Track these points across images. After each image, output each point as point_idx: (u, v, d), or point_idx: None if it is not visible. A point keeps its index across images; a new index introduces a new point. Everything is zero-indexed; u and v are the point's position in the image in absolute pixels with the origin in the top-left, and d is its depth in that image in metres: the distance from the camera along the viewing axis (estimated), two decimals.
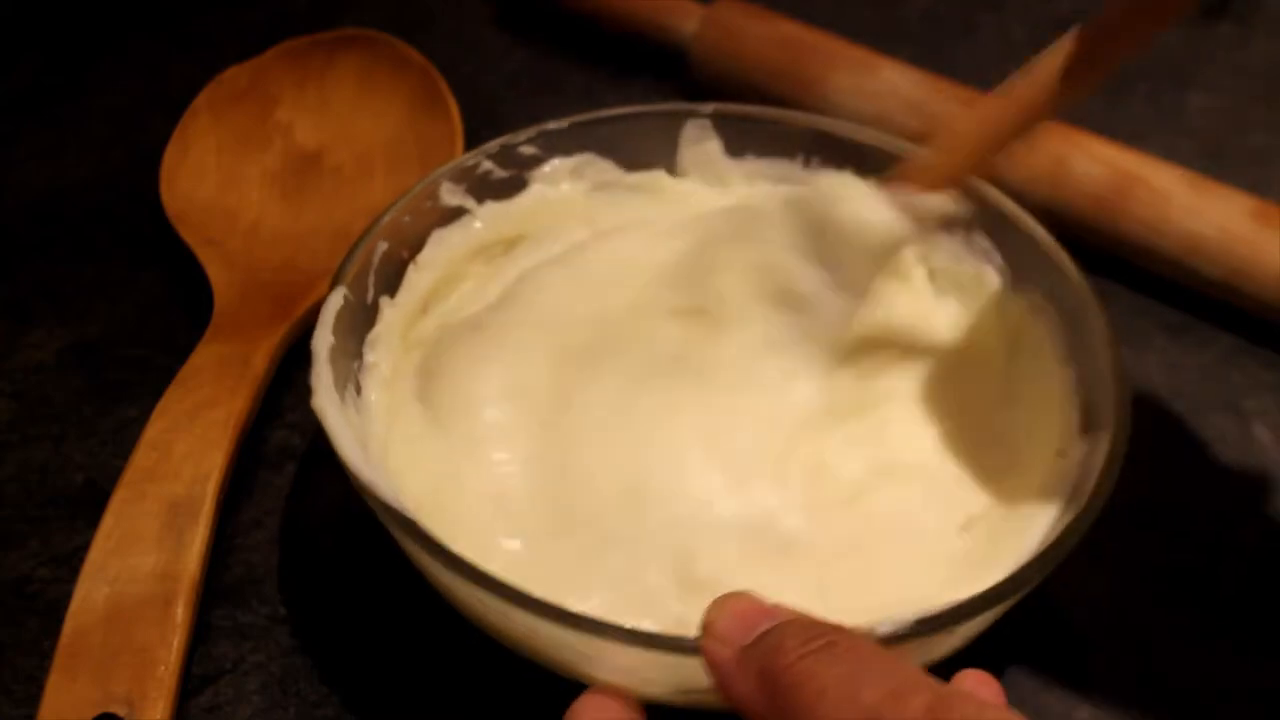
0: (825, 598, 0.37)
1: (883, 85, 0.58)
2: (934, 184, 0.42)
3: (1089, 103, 0.62)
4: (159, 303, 0.52)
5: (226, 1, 0.66)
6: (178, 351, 0.47)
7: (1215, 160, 0.57)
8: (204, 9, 0.66)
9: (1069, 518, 0.38)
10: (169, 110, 0.56)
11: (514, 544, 0.40)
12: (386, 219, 0.45)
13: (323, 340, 0.41)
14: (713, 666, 0.33)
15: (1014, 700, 0.42)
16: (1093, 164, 0.54)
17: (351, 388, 0.42)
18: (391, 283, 0.46)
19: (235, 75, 0.57)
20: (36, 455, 0.47)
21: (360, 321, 0.44)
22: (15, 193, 0.57)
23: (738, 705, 0.32)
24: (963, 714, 0.27)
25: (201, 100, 0.56)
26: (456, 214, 0.48)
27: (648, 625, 0.35)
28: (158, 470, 0.43)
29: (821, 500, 0.42)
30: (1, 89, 0.61)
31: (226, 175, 0.54)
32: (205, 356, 0.47)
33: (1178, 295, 0.53)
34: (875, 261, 0.43)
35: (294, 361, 0.49)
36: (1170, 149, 0.56)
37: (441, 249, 0.47)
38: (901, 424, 0.44)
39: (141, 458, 0.43)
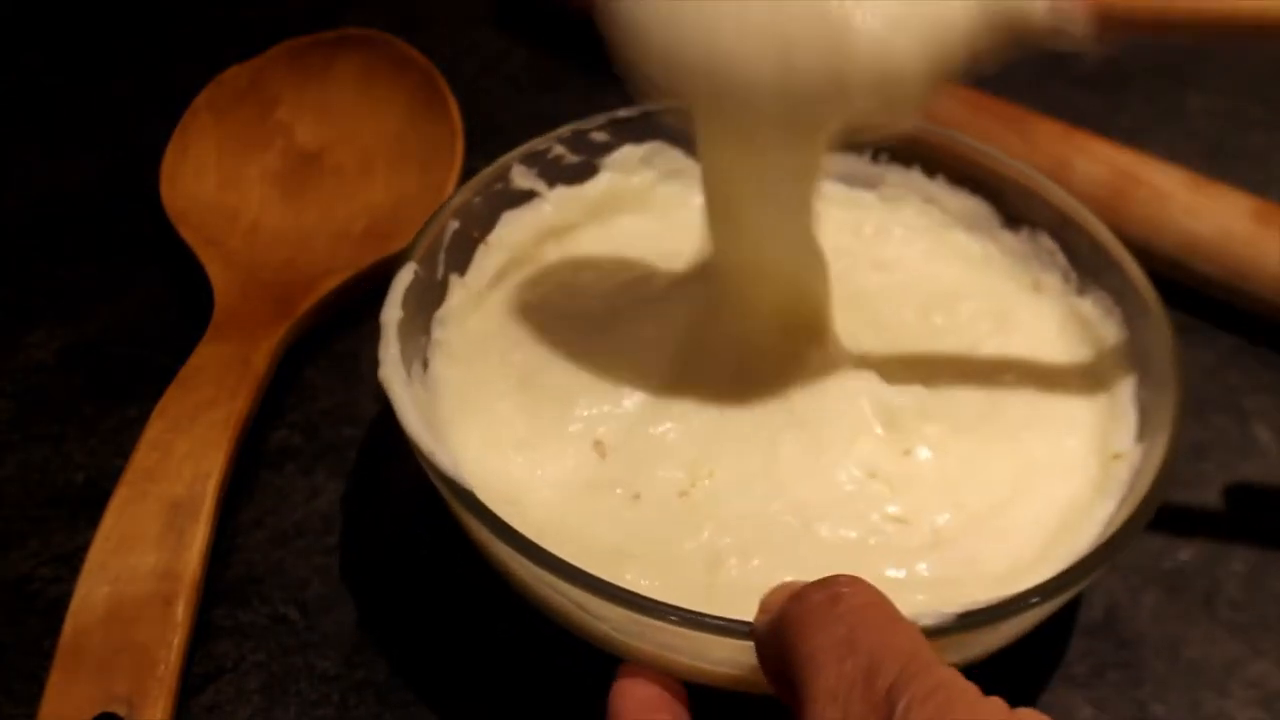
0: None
1: None
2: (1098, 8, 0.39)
3: (1089, 102, 0.63)
4: (159, 303, 0.52)
5: (226, 1, 0.66)
6: (178, 351, 0.47)
7: (1215, 160, 0.57)
8: (204, 9, 0.66)
9: (1123, 516, 0.39)
10: (169, 110, 0.56)
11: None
12: (457, 198, 0.46)
13: (391, 314, 0.41)
14: (753, 636, 0.33)
15: (1013, 697, 0.42)
16: (1093, 164, 0.54)
17: (418, 363, 0.43)
18: (461, 261, 0.46)
19: (236, 75, 0.57)
20: (36, 455, 0.47)
21: (429, 298, 0.44)
22: (15, 193, 0.57)
23: (763, 666, 0.33)
24: (925, 694, 0.28)
25: (202, 100, 0.56)
26: (527, 196, 0.48)
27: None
28: (158, 470, 0.43)
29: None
30: (1, 89, 0.61)
31: (227, 175, 0.54)
32: (205, 356, 0.47)
33: (1178, 295, 0.53)
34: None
35: (294, 361, 0.49)
36: (1170, 149, 0.56)
37: (512, 230, 0.48)
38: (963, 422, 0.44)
39: (142, 457, 0.43)
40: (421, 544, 0.45)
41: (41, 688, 0.38)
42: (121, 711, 0.38)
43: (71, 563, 0.42)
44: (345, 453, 0.47)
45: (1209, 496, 0.48)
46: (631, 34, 0.38)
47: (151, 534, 0.42)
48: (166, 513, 0.42)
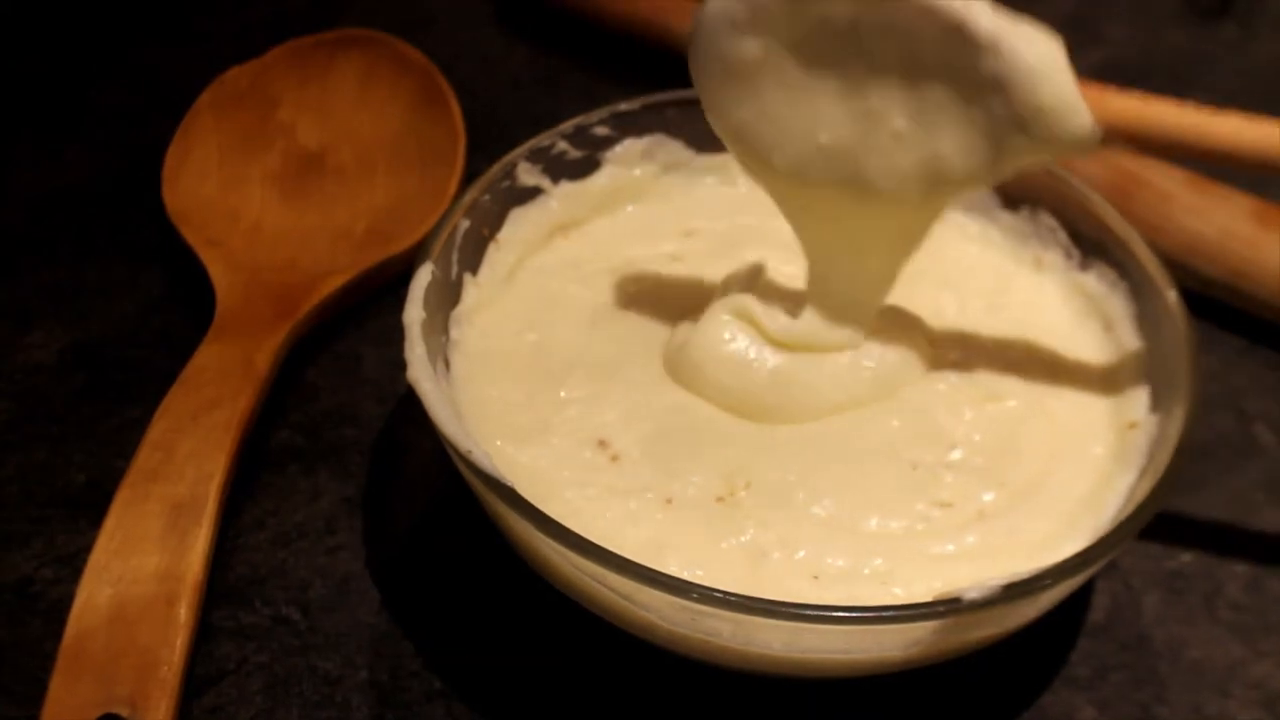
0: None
1: None
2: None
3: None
4: (160, 303, 0.52)
5: (227, 1, 0.66)
6: (179, 352, 0.47)
7: None
8: (204, 9, 0.66)
9: (1146, 485, 0.40)
10: (170, 110, 0.56)
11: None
12: (467, 196, 0.46)
13: (414, 314, 0.42)
14: None
15: (1016, 699, 0.42)
16: (1094, 164, 0.54)
17: (441, 363, 0.43)
18: (473, 260, 0.46)
19: (237, 75, 0.57)
20: (37, 456, 0.47)
21: (445, 298, 0.44)
22: (15, 193, 0.56)
23: None
24: None
25: (203, 100, 0.56)
26: (533, 193, 0.48)
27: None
28: (160, 471, 0.43)
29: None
30: (1, 89, 0.61)
31: (228, 175, 0.54)
32: (208, 357, 0.47)
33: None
34: (1041, 153, 0.40)
35: (296, 362, 0.49)
36: None
37: (520, 227, 0.48)
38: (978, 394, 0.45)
39: (144, 458, 0.43)
40: (424, 544, 0.45)
41: (43, 689, 0.38)
42: (124, 713, 0.38)
43: (73, 564, 0.42)
44: (347, 453, 0.47)
45: (1211, 498, 0.48)
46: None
47: (154, 535, 0.41)
48: (169, 514, 0.42)
